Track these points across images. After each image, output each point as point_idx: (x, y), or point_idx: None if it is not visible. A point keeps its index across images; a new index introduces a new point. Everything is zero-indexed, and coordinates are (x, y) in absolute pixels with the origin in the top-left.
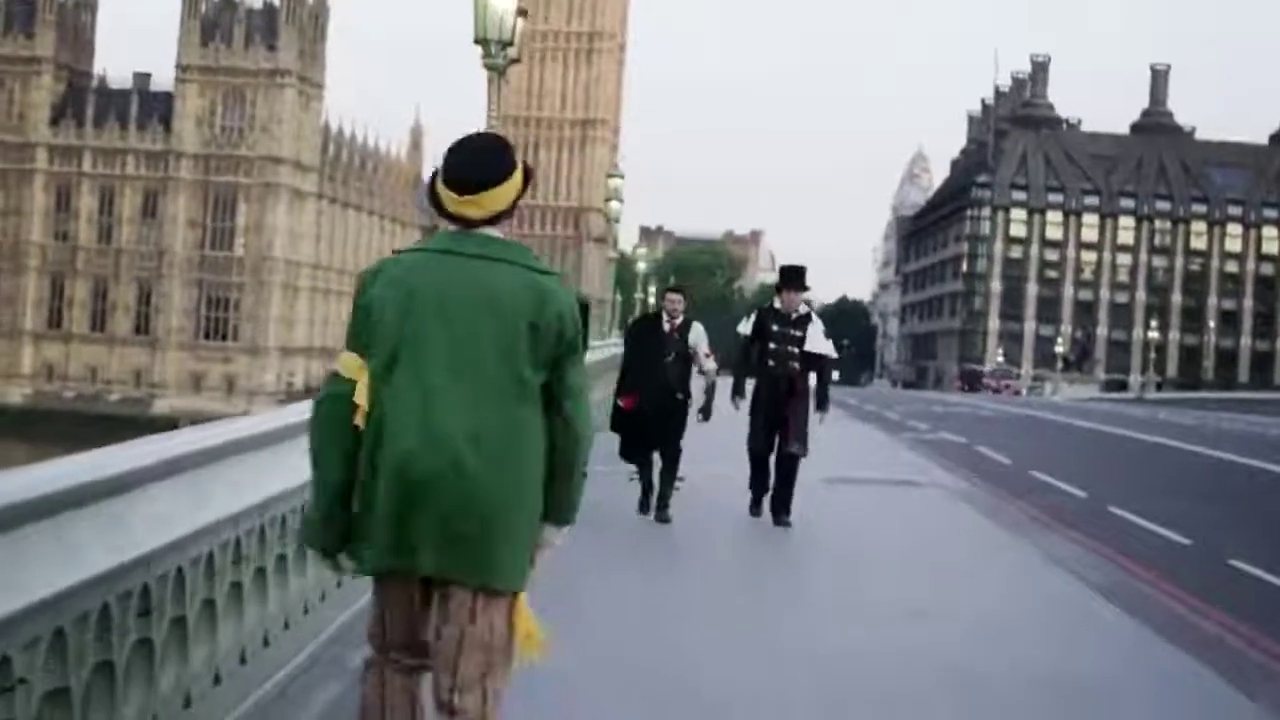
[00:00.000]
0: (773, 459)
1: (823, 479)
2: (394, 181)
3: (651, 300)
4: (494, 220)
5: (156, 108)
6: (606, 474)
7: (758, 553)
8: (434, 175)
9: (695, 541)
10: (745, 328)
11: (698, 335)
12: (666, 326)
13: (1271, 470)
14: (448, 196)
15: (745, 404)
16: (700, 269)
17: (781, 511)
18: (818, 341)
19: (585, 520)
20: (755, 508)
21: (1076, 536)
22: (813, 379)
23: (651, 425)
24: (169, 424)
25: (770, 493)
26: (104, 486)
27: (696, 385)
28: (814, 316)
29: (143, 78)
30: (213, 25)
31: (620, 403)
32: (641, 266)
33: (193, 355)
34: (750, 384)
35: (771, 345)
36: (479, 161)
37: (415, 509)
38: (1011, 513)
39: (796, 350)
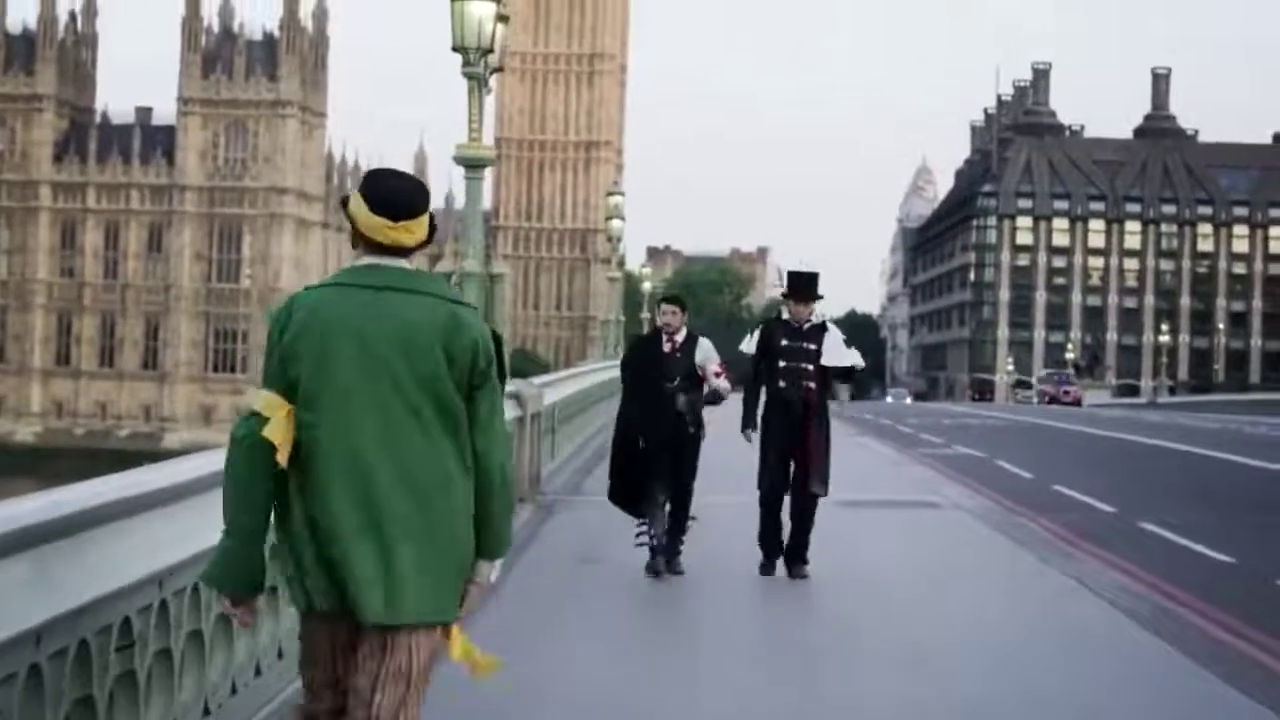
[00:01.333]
0: (788, 498)
1: (836, 502)
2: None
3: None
4: (412, 251)
5: (159, 141)
6: (602, 519)
7: (774, 612)
8: (347, 201)
9: (705, 601)
10: (749, 345)
11: (705, 352)
12: (666, 346)
13: None
14: (378, 224)
15: (758, 436)
16: (708, 287)
17: (797, 561)
18: (838, 352)
19: (576, 586)
20: (767, 568)
21: (1110, 558)
22: (837, 396)
23: (658, 465)
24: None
25: (785, 542)
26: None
27: (710, 413)
28: (830, 325)
29: (144, 112)
30: (214, 57)
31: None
32: (648, 286)
33: (202, 388)
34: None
35: (781, 363)
36: (410, 189)
37: (342, 553)
38: (1038, 534)
39: (811, 367)
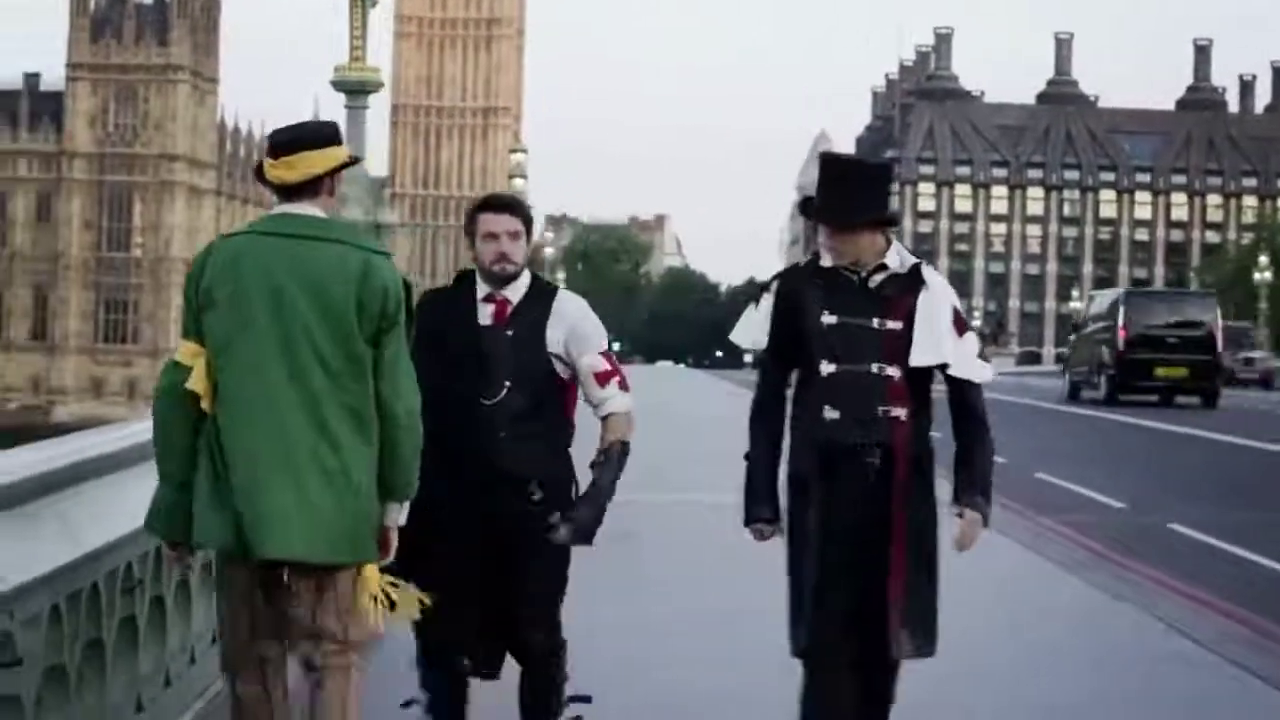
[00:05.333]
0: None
1: None
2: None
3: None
4: (311, 191)
5: (47, 108)
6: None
7: None
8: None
9: None
10: (752, 328)
11: (575, 324)
12: (489, 310)
13: None
14: (266, 165)
15: (774, 527)
16: (607, 255)
17: None
18: (940, 342)
19: None
20: None
21: (1159, 584)
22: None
23: (471, 579)
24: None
25: None
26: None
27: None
28: (929, 273)
29: (32, 78)
30: (103, 21)
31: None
32: (549, 252)
33: (92, 359)
34: (784, 473)
35: (825, 364)
36: (297, 127)
37: (259, 502)
38: (1046, 539)
39: (893, 371)
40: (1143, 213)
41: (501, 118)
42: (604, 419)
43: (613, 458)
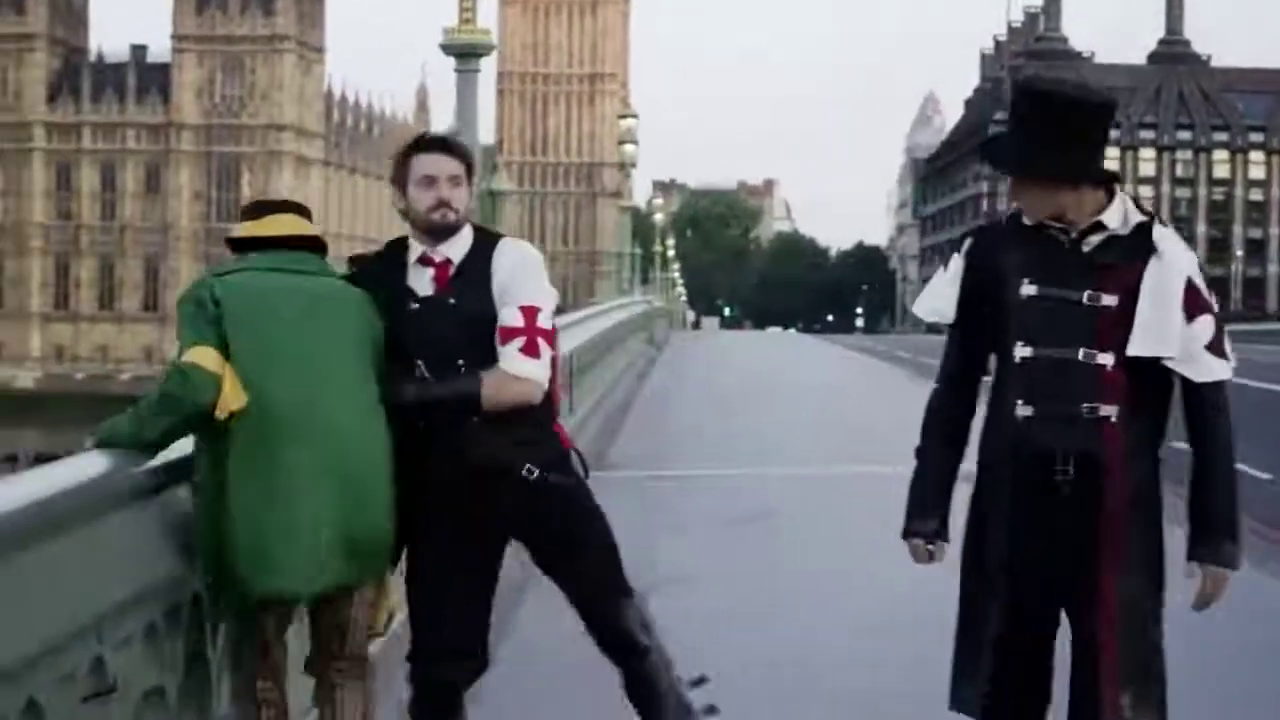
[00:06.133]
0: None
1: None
2: (401, 144)
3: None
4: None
5: (154, 80)
6: None
7: None
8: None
9: None
10: (938, 300)
11: (509, 271)
12: (427, 275)
13: None
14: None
15: (948, 548)
16: (715, 220)
17: None
18: (1167, 327)
19: None
20: None
21: None
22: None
23: (449, 590)
24: None
25: None
26: None
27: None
28: (1161, 234)
29: (139, 50)
30: None
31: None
32: (659, 218)
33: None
34: (965, 487)
35: (1021, 348)
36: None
37: (324, 521)
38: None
39: (1105, 360)
40: (1257, 172)
41: (608, 84)
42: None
43: (457, 384)
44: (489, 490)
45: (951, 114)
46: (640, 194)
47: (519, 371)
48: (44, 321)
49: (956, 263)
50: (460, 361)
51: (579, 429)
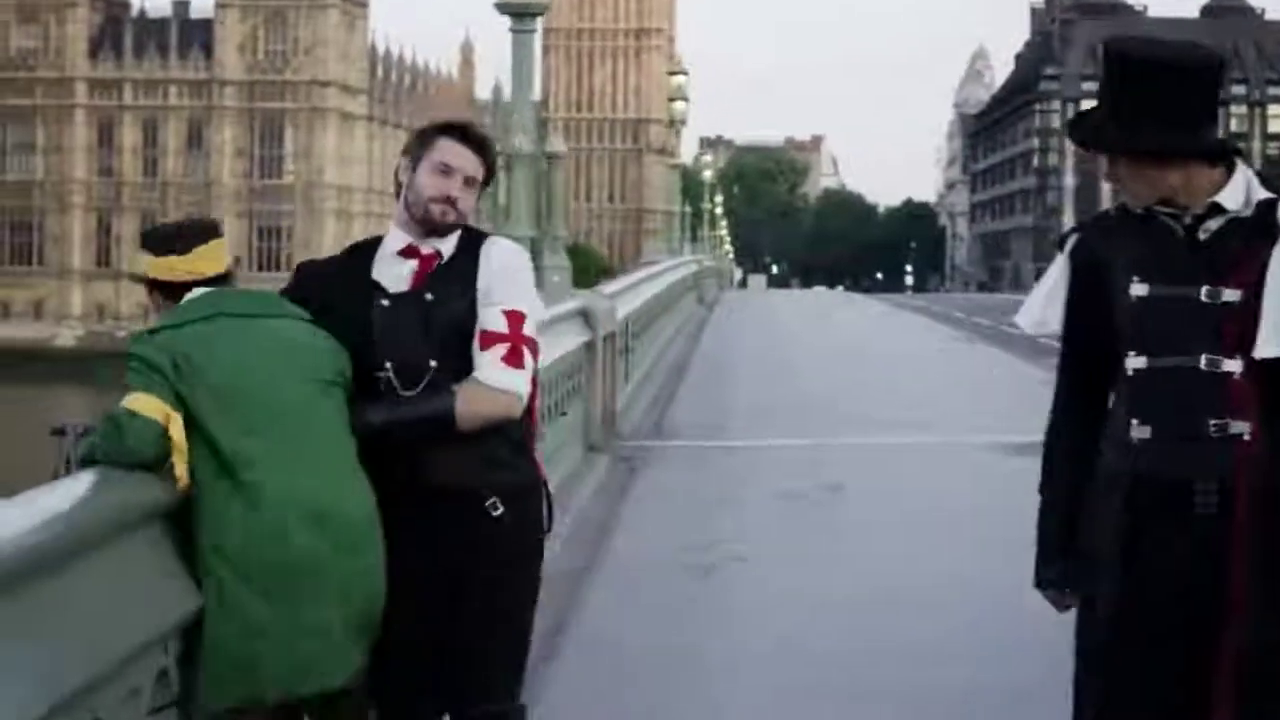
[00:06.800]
0: None
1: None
2: (446, 100)
3: (719, 212)
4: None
5: (197, 35)
6: None
7: None
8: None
9: None
10: (1041, 307)
11: (495, 271)
12: (407, 267)
13: None
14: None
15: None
16: (762, 176)
17: None
18: None
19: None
20: None
21: None
22: None
23: (410, 646)
24: None
25: None
26: None
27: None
28: None
29: (182, 6)
30: None
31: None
32: (707, 175)
33: (247, 286)
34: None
35: (1133, 358)
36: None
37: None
38: None
39: (1233, 368)
40: None
41: (654, 39)
42: (474, 386)
43: (429, 402)
44: (442, 516)
45: (1001, 69)
46: (687, 150)
47: (497, 383)
48: (85, 279)
49: (1060, 264)
50: (432, 363)
51: (635, 397)
